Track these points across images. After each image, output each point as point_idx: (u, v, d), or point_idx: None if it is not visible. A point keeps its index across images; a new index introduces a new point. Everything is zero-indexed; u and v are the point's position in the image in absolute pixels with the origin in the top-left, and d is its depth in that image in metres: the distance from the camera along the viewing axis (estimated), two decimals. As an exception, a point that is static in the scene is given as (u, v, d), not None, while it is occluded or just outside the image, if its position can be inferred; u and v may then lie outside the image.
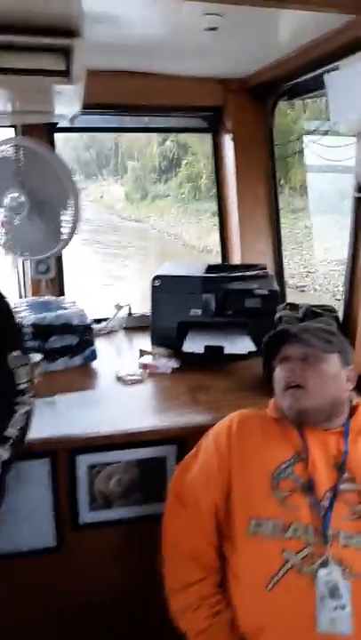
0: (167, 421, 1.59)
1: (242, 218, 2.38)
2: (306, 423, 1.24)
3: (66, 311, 2.02)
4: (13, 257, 2.21)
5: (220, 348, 1.90)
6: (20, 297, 2.38)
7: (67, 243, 2.09)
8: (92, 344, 2.02)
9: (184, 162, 19.36)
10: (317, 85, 1.94)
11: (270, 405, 1.34)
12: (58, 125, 2.32)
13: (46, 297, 2.25)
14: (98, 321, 2.36)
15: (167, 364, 1.96)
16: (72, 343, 1.98)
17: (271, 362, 1.44)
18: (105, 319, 2.45)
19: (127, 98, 2.25)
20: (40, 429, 1.39)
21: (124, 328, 2.47)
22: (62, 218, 2.07)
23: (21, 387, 1.19)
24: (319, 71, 1.82)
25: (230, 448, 1.26)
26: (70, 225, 2.07)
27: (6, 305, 1.24)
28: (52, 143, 2.31)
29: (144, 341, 2.17)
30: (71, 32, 1.67)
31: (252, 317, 1.98)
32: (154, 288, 2.06)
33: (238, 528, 1.18)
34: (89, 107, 2.03)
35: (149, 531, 1.42)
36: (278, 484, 1.17)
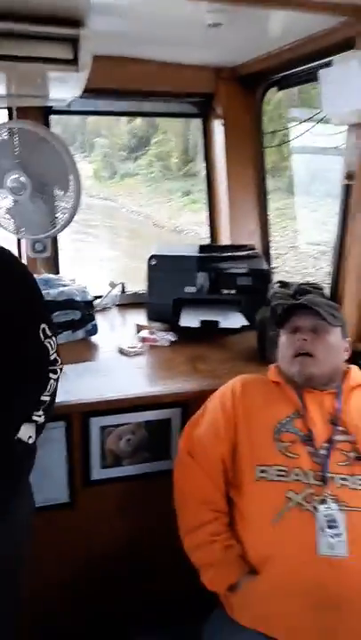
0: (171, 387, 1.74)
1: (231, 200, 2.52)
2: (311, 386, 1.42)
3: (68, 287, 2.14)
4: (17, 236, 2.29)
5: (216, 323, 2.06)
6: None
7: (68, 222, 2.19)
8: (93, 319, 2.14)
9: (154, 140, 19.21)
10: (307, 78, 2.09)
11: (271, 370, 1.51)
12: (53, 108, 2.40)
13: (45, 274, 2.35)
14: (92, 298, 2.47)
15: (165, 337, 2.11)
16: (74, 318, 2.09)
17: (266, 334, 1.61)
18: (97, 297, 2.56)
19: (123, 83, 2.32)
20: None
21: (117, 305, 2.60)
22: (63, 198, 2.16)
23: (52, 357, 1.27)
24: (310, 65, 1.96)
25: (235, 407, 1.43)
26: (71, 205, 2.16)
27: (34, 281, 1.31)
28: (47, 125, 2.38)
29: (138, 317, 2.31)
30: (78, 22, 1.76)
31: (244, 295, 2.14)
32: (150, 267, 2.19)
33: (245, 475, 1.35)
34: (86, 91, 2.11)
35: (155, 486, 1.59)
36: (280, 437, 1.35)
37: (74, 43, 1.78)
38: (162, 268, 2.18)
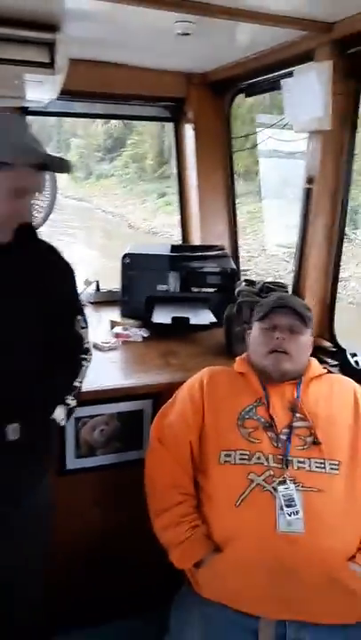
0: (144, 380, 1.82)
1: (202, 202, 2.61)
2: (284, 380, 1.51)
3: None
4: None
5: (187, 319, 2.14)
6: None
7: (43, 221, 2.25)
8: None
9: (129, 141, 19.23)
10: (272, 86, 2.19)
11: (238, 362, 1.61)
12: (29, 109, 2.44)
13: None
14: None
15: (138, 333, 2.18)
16: (49, 314, 2.15)
17: (232, 330, 1.70)
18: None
19: (98, 86, 2.38)
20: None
21: (92, 302, 2.66)
22: (39, 197, 2.22)
23: (85, 346, 1.39)
24: (274, 74, 2.07)
25: (203, 396, 1.52)
26: (47, 204, 2.22)
27: (75, 276, 1.40)
28: (23, 126, 2.43)
29: (112, 314, 2.38)
30: (54, 27, 1.83)
31: (213, 293, 2.24)
32: (124, 265, 2.27)
33: (210, 459, 1.44)
34: (63, 93, 2.17)
35: (128, 475, 1.66)
36: (243, 423, 1.45)
37: (50, 46, 1.85)
38: (135, 266, 2.26)
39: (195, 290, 2.25)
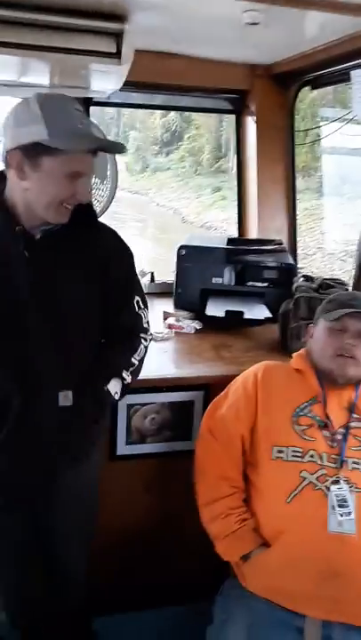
0: (195, 371, 1.82)
1: (260, 196, 2.58)
2: (349, 384, 1.46)
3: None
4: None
5: (241, 313, 2.12)
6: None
7: (103, 211, 2.28)
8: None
9: (187, 135, 19.24)
10: (340, 78, 2.13)
11: (295, 358, 1.57)
12: (93, 99, 2.48)
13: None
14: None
15: (191, 325, 2.18)
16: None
17: (288, 326, 1.68)
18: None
19: (160, 77, 2.39)
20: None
21: (146, 293, 2.68)
22: (100, 187, 2.26)
23: (144, 325, 1.43)
24: (343, 66, 2.01)
25: (256, 390, 1.50)
26: (107, 194, 2.26)
27: (133, 259, 1.45)
28: (87, 116, 2.47)
29: (165, 305, 2.39)
30: (122, 17, 1.84)
31: (269, 287, 2.20)
32: (180, 257, 2.27)
33: (262, 454, 1.43)
34: (125, 84, 2.19)
35: (176, 464, 1.67)
36: (298, 420, 1.42)
37: (117, 37, 1.86)
38: (191, 258, 2.26)
39: (250, 284, 2.22)
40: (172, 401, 1.78)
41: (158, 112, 17.62)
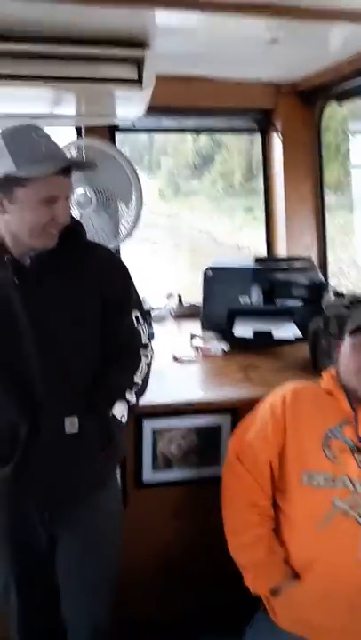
0: (222, 394, 1.77)
1: (288, 213, 2.54)
2: None
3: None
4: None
5: (269, 334, 2.07)
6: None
7: (129, 235, 2.28)
8: (151, 326, 2.21)
9: (218, 159, 19.42)
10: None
11: (325, 378, 1.50)
12: (119, 127, 2.52)
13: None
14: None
15: (218, 346, 2.14)
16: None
17: (319, 345, 1.60)
18: (156, 308, 2.64)
19: (184, 100, 2.41)
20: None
21: (174, 316, 2.67)
22: (126, 212, 2.26)
23: (144, 341, 1.39)
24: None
25: (285, 413, 1.44)
26: (132, 218, 2.26)
27: (131, 276, 1.42)
28: (113, 143, 2.50)
29: (193, 327, 2.36)
30: (142, 43, 1.86)
31: (298, 306, 2.15)
32: (206, 278, 2.24)
33: (292, 480, 1.36)
34: (150, 109, 2.21)
35: (204, 490, 1.62)
36: (329, 444, 1.35)
37: (138, 63, 1.88)
38: (217, 279, 2.23)
39: (279, 302, 2.17)
40: (198, 426, 1.73)
41: (190, 137, 17.86)
